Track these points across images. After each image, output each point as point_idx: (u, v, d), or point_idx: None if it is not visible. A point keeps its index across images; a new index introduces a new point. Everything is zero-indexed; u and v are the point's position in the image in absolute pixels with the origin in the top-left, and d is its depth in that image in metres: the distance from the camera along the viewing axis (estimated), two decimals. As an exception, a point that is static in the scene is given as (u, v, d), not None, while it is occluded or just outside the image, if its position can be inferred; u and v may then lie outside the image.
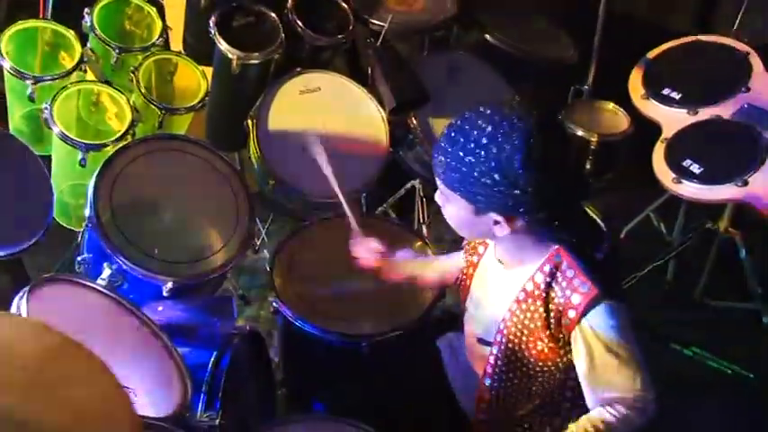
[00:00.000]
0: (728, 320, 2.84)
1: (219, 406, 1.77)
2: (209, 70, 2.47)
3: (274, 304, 2.05)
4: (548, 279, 1.52)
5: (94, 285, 1.75)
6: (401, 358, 1.99)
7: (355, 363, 2.04)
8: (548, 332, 1.54)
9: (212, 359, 1.84)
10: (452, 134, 1.44)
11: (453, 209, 1.53)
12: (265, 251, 2.69)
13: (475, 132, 1.41)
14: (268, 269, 2.13)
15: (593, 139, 2.72)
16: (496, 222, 1.48)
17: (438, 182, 1.52)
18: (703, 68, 2.76)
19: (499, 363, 1.63)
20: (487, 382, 1.67)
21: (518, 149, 1.38)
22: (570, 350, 1.55)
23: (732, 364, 2.69)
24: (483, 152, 1.40)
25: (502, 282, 1.62)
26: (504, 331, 1.60)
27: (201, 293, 2.16)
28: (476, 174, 1.41)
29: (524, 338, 1.58)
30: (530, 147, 1.38)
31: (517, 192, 1.40)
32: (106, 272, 1.95)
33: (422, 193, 2.82)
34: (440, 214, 1.61)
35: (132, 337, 1.72)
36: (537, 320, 1.54)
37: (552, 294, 1.52)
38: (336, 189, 1.93)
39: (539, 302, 1.53)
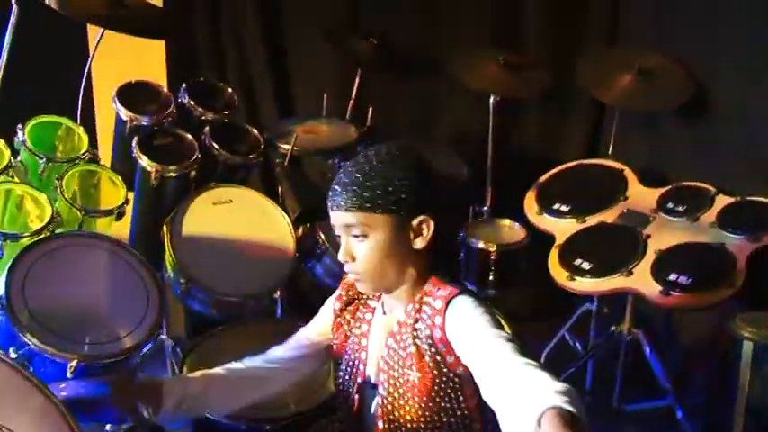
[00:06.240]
0: (646, 421, 2.89)
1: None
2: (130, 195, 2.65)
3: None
4: (416, 306, 1.57)
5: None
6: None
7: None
8: (423, 359, 1.55)
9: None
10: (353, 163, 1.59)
11: (376, 236, 1.55)
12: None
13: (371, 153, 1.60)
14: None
15: (492, 249, 2.92)
16: (418, 231, 1.56)
17: (355, 216, 1.55)
18: (588, 185, 3.08)
19: (385, 402, 1.62)
20: (380, 424, 1.63)
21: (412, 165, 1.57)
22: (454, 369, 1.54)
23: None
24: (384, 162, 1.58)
25: (384, 326, 1.67)
26: (385, 367, 1.61)
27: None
28: (389, 178, 1.54)
29: (401, 370, 1.58)
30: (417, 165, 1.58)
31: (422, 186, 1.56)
32: (11, 356, 1.99)
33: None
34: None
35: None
36: (409, 347, 1.56)
37: (418, 327, 1.57)
38: None
39: (409, 330, 1.56)
